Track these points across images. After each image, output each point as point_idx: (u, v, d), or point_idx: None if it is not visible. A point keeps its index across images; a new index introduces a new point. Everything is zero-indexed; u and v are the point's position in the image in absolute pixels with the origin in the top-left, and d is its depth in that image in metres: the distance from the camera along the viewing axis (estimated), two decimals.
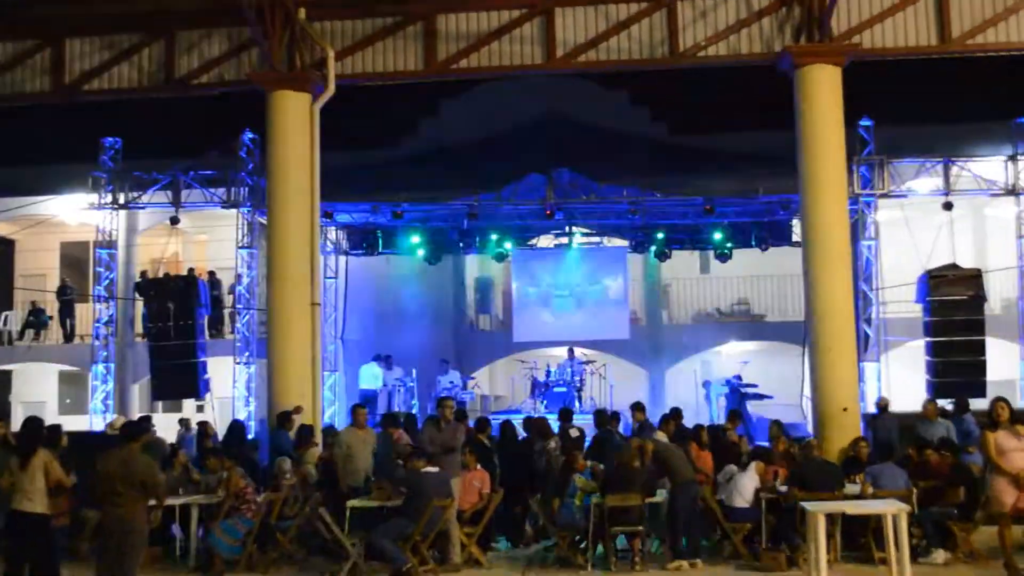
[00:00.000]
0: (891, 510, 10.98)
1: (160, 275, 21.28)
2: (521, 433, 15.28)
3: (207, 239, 26.68)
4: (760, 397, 21.90)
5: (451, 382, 22.53)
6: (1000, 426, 11.42)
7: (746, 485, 12.88)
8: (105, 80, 18.02)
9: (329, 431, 15.71)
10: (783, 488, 12.90)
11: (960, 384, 17.68)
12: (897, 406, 16.66)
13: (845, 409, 15.69)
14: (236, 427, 16.09)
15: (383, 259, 24.65)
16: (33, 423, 10.78)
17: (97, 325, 21.98)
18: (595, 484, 12.98)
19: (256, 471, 14.24)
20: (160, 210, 22.05)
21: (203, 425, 16.84)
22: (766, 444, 15.19)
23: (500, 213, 22.72)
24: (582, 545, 13.04)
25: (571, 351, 23.49)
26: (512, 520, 14.47)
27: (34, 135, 22.73)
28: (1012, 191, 20.66)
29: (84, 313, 24.55)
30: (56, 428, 11.17)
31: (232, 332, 22.38)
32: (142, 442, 10.35)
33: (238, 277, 21.42)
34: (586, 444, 14.97)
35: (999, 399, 11.80)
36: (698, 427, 15.07)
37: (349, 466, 13.57)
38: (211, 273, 23.42)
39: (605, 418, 15.29)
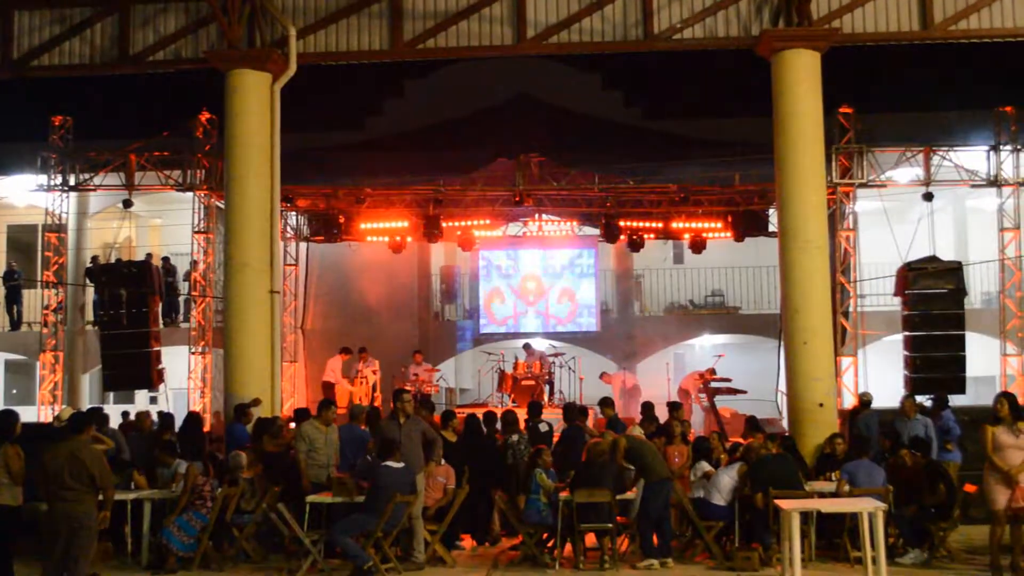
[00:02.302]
0: (867, 508, 11.09)
1: (112, 260, 21.13)
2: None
3: (161, 223, 26.54)
4: (734, 392, 22.00)
5: (415, 374, 22.48)
6: (1002, 422, 11.54)
7: (725, 483, 12.94)
8: (56, 55, 17.83)
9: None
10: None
11: (939, 380, 17.81)
12: (874, 402, 16.78)
13: (821, 404, 15.79)
14: (192, 419, 15.98)
15: (345, 246, 24.56)
16: (3, 417, 10.78)
17: (46, 312, 21.80)
18: (552, 483, 12.99)
19: (214, 465, 14.17)
20: (112, 192, 21.84)
21: (162, 416, 16.62)
22: (741, 441, 15.28)
23: (467, 199, 22.69)
24: (550, 543, 13.08)
25: (527, 347, 23.42)
26: (478, 517, 14.48)
27: None
28: (994, 182, 20.83)
29: (32, 299, 24.36)
30: (11, 414, 11.11)
31: (187, 320, 22.25)
32: (92, 434, 10.30)
33: (194, 263, 21.30)
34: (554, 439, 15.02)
35: (1002, 394, 11.94)
36: (668, 422, 15.14)
37: (310, 462, 13.49)
38: (165, 259, 23.30)
39: (575, 413, 15.29)
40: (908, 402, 15.79)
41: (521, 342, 24.52)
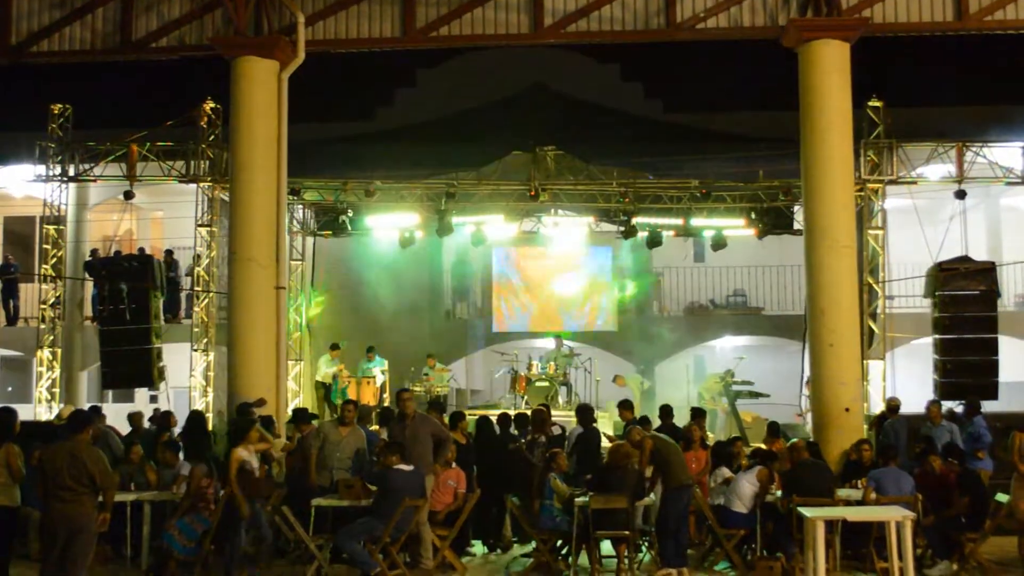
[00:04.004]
0: (895, 517, 11.08)
1: (112, 254, 21.20)
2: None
3: (163, 216, 26.60)
4: (756, 395, 21.98)
5: (425, 374, 22.52)
6: None
7: (745, 489, 12.93)
8: (55, 41, 17.93)
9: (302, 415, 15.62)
10: (779, 493, 12.98)
11: (970, 385, 17.75)
12: (903, 407, 16.77)
13: (847, 409, 15.79)
14: (196, 419, 16.02)
15: (353, 241, 24.61)
16: (4, 415, 10.82)
17: (43, 307, 21.88)
18: (566, 489, 12.99)
19: (217, 467, 14.20)
20: (113, 183, 21.90)
21: (165, 416, 16.65)
22: (762, 446, 15.26)
23: (480, 193, 22.70)
24: (564, 550, 13.09)
25: (559, 339, 23.50)
26: (489, 522, 14.50)
27: None
28: None
29: (29, 294, 24.42)
30: (11, 412, 11.15)
31: (189, 317, 22.31)
32: (90, 434, 10.33)
33: (197, 257, 21.33)
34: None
35: None
36: (688, 427, 15.12)
37: (320, 463, 13.49)
38: (168, 252, 23.34)
39: (590, 415, 15.29)
40: (934, 407, 15.81)
41: (534, 342, 24.56)
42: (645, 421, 15.36)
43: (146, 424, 16.57)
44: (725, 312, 26.79)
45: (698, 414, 15.76)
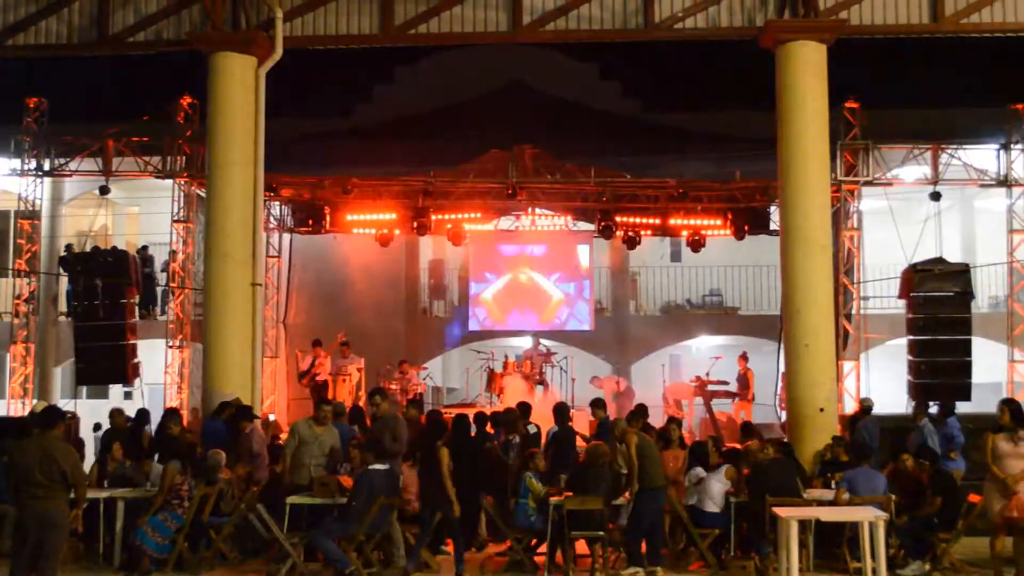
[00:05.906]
0: (868, 517, 11.12)
1: (87, 249, 21.06)
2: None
3: (139, 211, 26.47)
4: (731, 396, 22.03)
5: (401, 372, 22.46)
6: (1003, 429, 11.61)
7: (715, 488, 12.96)
8: (31, 35, 17.82)
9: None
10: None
11: (944, 386, 17.86)
12: (876, 408, 16.82)
13: (822, 410, 15.83)
14: (170, 416, 15.93)
15: (330, 238, 24.55)
16: None
17: (17, 302, 21.73)
18: (542, 488, 12.96)
19: (192, 464, 14.13)
20: (89, 179, 21.78)
21: (142, 413, 16.52)
22: (737, 446, 15.29)
23: (458, 191, 22.67)
24: (538, 549, 13.07)
25: (536, 340, 23.48)
26: (464, 521, 14.46)
27: None
28: (1004, 182, 20.86)
29: (3, 288, 24.26)
30: None
31: (164, 313, 22.21)
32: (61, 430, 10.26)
33: (172, 253, 21.25)
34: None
35: (1005, 400, 12.05)
36: (666, 427, 15.09)
37: (296, 461, 13.46)
38: (143, 248, 23.25)
39: (565, 414, 15.28)
40: (917, 408, 15.92)
41: (511, 340, 24.51)
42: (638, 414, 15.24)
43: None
44: (701, 312, 26.82)
45: (673, 421, 15.78)
